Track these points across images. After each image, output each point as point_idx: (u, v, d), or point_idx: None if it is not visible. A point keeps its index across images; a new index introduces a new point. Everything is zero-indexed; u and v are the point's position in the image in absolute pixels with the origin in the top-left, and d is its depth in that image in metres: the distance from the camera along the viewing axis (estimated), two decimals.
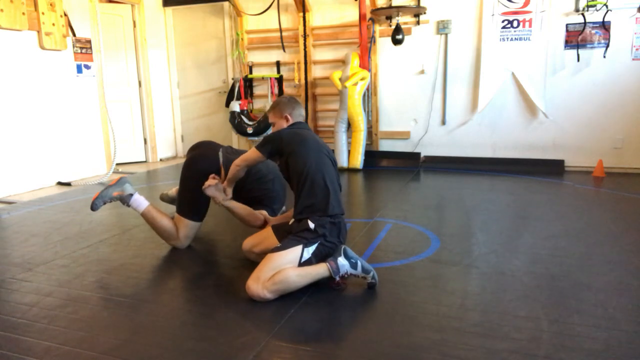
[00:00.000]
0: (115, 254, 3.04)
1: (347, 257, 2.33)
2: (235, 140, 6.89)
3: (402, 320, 2.13)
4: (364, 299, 2.36)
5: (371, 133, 6.17)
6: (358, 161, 5.77)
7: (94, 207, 2.93)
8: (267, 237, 2.66)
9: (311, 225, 2.42)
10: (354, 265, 2.33)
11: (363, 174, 5.66)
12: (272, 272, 2.30)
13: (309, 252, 2.38)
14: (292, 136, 2.60)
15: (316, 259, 2.40)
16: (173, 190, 3.92)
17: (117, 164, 6.03)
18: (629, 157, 5.36)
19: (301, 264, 2.36)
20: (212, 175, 2.80)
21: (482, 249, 3.00)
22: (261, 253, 2.58)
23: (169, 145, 7.15)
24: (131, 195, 2.97)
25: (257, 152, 2.62)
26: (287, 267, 2.31)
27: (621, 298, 2.28)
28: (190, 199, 3.02)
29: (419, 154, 6.06)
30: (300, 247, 2.37)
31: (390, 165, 6.05)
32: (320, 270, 2.33)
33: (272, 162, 2.93)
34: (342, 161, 5.83)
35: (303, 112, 2.85)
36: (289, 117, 2.75)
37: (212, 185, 2.75)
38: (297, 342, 1.96)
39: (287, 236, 2.48)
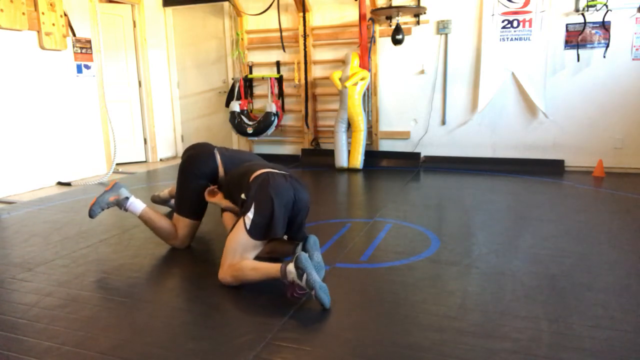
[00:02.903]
0: (115, 254, 3.04)
1: (296, 265, 2.24)
2: (235, 140, 6.89)
3: (402, 320, 2.13)
4: (363, 299, 2.36)
5: (371, 133, 6.17)
6: (358, 161, 5.77)
7: (92, 214, 2.97)
8: None
9: (243, 196, 2.52)
10: (300, 276, 2.22)
11: (363, 174, 5.66)
12: (230, 255, 2.47)
13: (249, 217, 2.43)
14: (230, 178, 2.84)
15: (261, 217, 2.42)
16: (165, 191, 3.95)
17: (117, 164, 6.04)
18: (629, 157, 5.36)
19: (250, 230, 2.43)
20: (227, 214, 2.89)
21: (482, 249, 3.00)
22: (269, 251, 2.76)
23: (169, 145, 7.15)
24: (127, 198, 3.00)
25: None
26: (247, 255, 2.47)
27: (621, 298, 2.29)
28: (188, 198, 3.03)
29: (419, 154, 6.06)
30: (241, 218, 2.47)
31: (390, 165, 6.05)
32: (272, 270, 2.35)
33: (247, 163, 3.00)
34: (342, 161, 5.83)
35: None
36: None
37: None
38: (297, 342, 1.96)
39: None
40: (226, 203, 2.84)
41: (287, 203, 2.49)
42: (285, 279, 2.28)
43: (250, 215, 2.43)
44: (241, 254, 2.46)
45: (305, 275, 2.20)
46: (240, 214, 2.52)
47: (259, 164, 2.76)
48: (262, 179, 2.50)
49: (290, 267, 2.26)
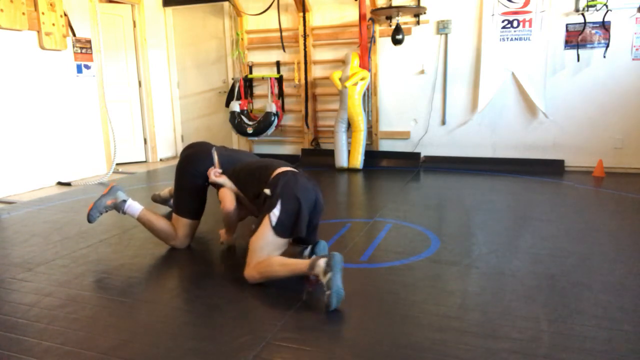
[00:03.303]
0: (115, 254, 3.04)
1: (327, 263, 2.24)
2: (235, 140, 6.89)
3: (402, 320, 2.13)
4: (364, 299, 2.36)
5: (371, 133, 6.17)
6: (358, 161, 5.77)
7: (90, 219, 2.98)
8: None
9: (267, 192, 2.51)
10: (325, 272, 2.22)
11: (363, 174, 5.66)
12: (256, 254, 2.46)
13: (275, 214, 2.44)
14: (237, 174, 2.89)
15: (288, 214, 2.44)
16: (165, 191, 3.95)
17: (117, 164, 6.04)
18: (629, 157, 5.36)
19: (275, 227, 2.43)
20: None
21: (482, 249, 3.00)
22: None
23: (169, 145, 7.15)
24: (124, 201, 3.01)
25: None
26: (273, 254, 2.46)
27: (621, 298, 2.28)
28: (186, 198, 3.04)
29: (419, 154, 6.06)
30: (266, 216, 2.46)
31: (390, 165, 6.05)
32: (301, 265, 2.35)
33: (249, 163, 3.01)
34: (342, 161, 5.83)
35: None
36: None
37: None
38: (297, 342, 1.96)
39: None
40: (231, 184, 2.86)
41: (310, 204, 2.53)
42: (312, 271, 2.29)
43: (276, 212, 2.44)
44: (268, 253, 2.47)
45: (329, 274, 2.21)
46: (264, 210, 2.51)
47: (277, 161, 2.77)
48: (289, 177, 2.53)
49: (322, 262, 2.26)
